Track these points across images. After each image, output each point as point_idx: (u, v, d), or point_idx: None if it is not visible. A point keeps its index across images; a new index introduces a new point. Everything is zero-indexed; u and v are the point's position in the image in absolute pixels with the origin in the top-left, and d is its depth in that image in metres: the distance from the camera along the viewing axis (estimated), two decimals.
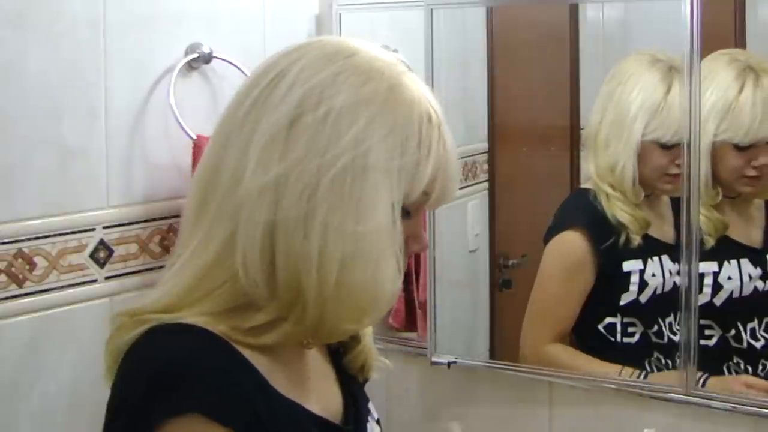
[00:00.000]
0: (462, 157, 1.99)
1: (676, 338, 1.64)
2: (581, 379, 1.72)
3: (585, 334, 1.75)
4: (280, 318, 0.90)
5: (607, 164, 1.69)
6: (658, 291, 1.69)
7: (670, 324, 1.68)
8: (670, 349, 1.67)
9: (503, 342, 2.00)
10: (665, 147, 1.64)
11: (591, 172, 1.73)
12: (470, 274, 2.08)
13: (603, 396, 1.71)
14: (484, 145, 2.01)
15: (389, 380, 1.93)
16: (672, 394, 1.62)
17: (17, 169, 1.44)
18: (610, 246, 1.69)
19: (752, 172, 1.62)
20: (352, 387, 1.06)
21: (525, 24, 1.97)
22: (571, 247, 1.74)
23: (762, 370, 1.65)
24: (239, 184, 0.87)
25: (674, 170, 1.62)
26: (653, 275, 1.68)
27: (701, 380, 1.59)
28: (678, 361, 1.61)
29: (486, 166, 2.00)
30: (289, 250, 0.86)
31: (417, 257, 1.97)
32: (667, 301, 1.65)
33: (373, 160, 0.86)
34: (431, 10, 1.78)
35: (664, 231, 1.71)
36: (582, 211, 1.75)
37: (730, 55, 1.65)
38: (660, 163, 1.65)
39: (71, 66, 1.50)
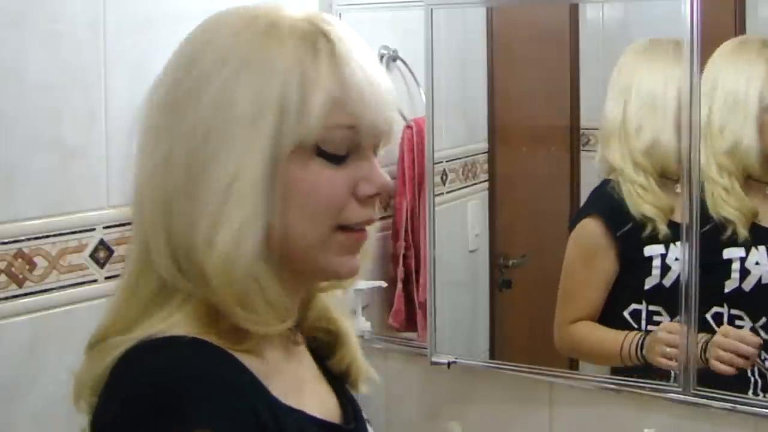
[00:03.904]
0: (462, 157, 2.00)
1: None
2: (581, 379, 1.72)
3: (611, 321, 1.76)
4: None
5: (641, 148, 1.70)
6: (683, 277, 1.69)
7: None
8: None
9: (503, 342, 2.00)
10: None
11: (616, 162, 1.72)
12: (470, 274, 2.08)
13: (603, 396, 1.71)
14: (484, 145, 2.02)
15: (389, 380, 1.93)
16: (672, 394, 1.62)
17: (17, 169, 1.44)
18: (628, 231, 1.71)
19: None
20: (342, 386, 1.02)
21: (525, 24, 1.97)
22: (588, 234, 1.76)
23: None
24: (138, 173, 0.86)
25: None
26: (676, 259, 1.69)
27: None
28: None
29: (486, 166, 2.01)
30: (180, 228, 0.82)
31: (417, 257, 1.97)
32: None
33: (237, 111, 0.81)
34: (431, 10, 1.78)
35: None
36: (599, 199, 1.77)
37: (733, 42, 1.67)
38: None
39: (71, 66, 1.50)
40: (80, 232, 1.53)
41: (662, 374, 1.68)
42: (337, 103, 0.83)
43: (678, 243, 1.68)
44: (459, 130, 2.03)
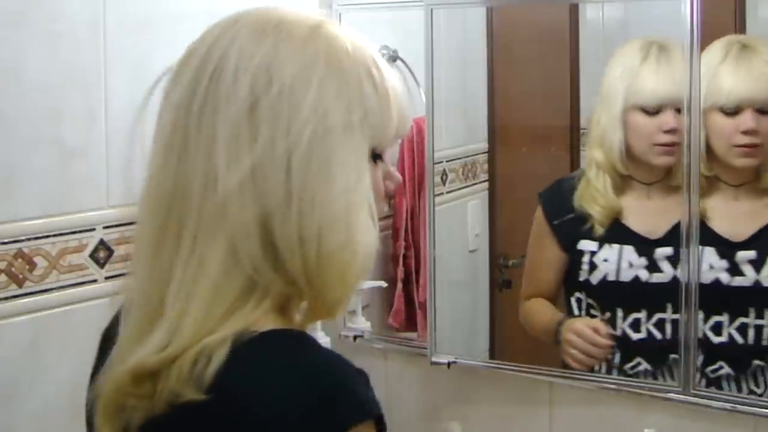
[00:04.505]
0: (462, 157, 2.00)
1: (633, 334, 1.69)
2: (581, 379, 1.72)
3: (564, 304, 1.80)
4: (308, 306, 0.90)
5: (596, 137, 1.72)
6: (610, 277, 1.70)
7: (636, 319, 1.69)
8: (622, 341, 1.70)
9: (503, 342, 2.01)
10: (648, 113, 1.66)
11: (587, 155, 1.75)
12: (470, 274, 2.08)
13: (603, 396, 1.71)
14: (484, 145, 2.02)
15: (389, 380, 1.93)
16: (672, 394, 1.62)
17: (17, 169, 1.44)
18: (566, 222, 1.75)
19: (742, 140, 1.61)
20: None
21: (525, 24, 1.97)
22: (536, 217, 1.82)
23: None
24: (215, 188, 0.85)
25: (662, 138, 1.65)
26: (605, 260, 1.71)
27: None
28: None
29: (486, 166, 2.01)
30: (284, 238, 0.85)
31: (417, 257, 1.97)
32: (625, 293, 1.69)
33: (332, 120, 0.85)
34: (431, 10, 1.78)
35: (647, 223, 1.71)
36: (553, 185, 1.82)
37: (721, 39, 1.66)
38: (647, 131, 1.66)
39: (71, 66, 1.50)
40: (80, 232, 1.53)
41: (662, 374, 1.69)
42: (400, 113, 0.92)
43: (614, 245, 1.70)
44: (459, 130, 2.03)
